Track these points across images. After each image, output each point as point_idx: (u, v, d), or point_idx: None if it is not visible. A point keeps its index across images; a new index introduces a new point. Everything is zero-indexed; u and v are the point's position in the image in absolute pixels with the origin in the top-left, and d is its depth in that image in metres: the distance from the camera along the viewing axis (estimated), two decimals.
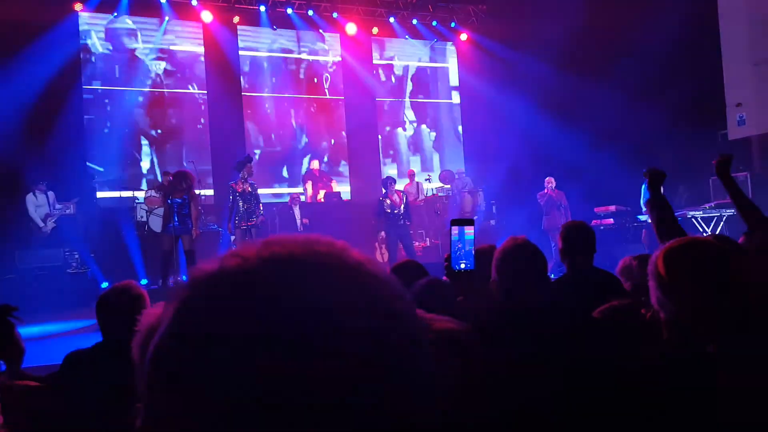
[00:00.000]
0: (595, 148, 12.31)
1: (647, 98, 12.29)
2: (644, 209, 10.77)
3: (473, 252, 1.83)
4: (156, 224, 9.23)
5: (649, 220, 10.47)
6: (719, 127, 11.72)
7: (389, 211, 10.01)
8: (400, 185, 11.53)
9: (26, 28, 10.42)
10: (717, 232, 9.11)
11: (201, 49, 12.75)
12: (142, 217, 9.98)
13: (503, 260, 2.18)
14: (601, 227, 10.58)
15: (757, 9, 10.40)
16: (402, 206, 10.09)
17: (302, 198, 11.59)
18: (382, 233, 11.33)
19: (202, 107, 12.69)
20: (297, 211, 10.81)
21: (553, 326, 1.37)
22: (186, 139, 12.44)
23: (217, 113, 12.57)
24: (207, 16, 12.58)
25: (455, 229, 1.81)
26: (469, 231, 1.82)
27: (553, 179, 11.17)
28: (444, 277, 3.27)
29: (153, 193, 9.96)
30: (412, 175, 13.05)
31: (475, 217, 12.00)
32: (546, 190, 11.15)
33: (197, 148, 12.36)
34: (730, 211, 9.25)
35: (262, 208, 9.07)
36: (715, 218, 9.50)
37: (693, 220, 9.36)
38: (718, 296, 1.36)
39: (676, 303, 1.42)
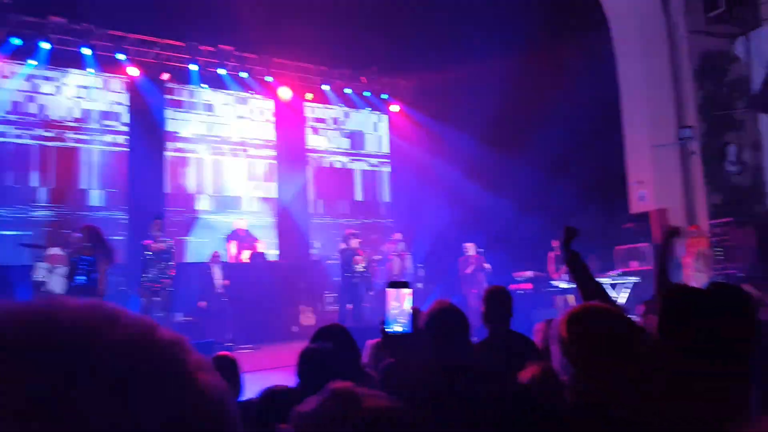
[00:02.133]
0: (516, 217, 12.96)
1: (561, 173, 13.20)
2: (553, 275, 11.53)
3: (410, 315, 1.86)
4: (57, 284, 8.33)
5: (562, 285, 10.90)
6: (623, 202, 12.72)
7: (355, 266, 10.05)
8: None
9: None
10: (623, 297, 9.75)
11: (124, 104, 12.42)
12: (42, 276, 8.87)
13: (431, 323, 2.31)
14: (520, 291, 11.02)
15: (655, 97, 11.59)
16: (362, 262, 10.19)
17: (223, 258, 11.25)
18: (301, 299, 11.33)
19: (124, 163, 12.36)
20: (217, 271, 10.42)
21: (484, 390, 1.32)
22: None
23: (139, 170, 12.25)
24: (134, 71, 12.33)
25: (392, 293, 1.85)
26: (405, 294, 1.85)
27: (473, 245, 11.60)
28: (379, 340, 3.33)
29: (57, 250, 8.99)
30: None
31: (404, 279, 12.21)
32: (465, 256, 11.53)
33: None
34: (635, 278, 9.92)
35: (172, 268, 8.66)
36: (621, 285, 10.11)
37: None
38: (615, 364, 1.37)
39: (576, 367, 1.44)
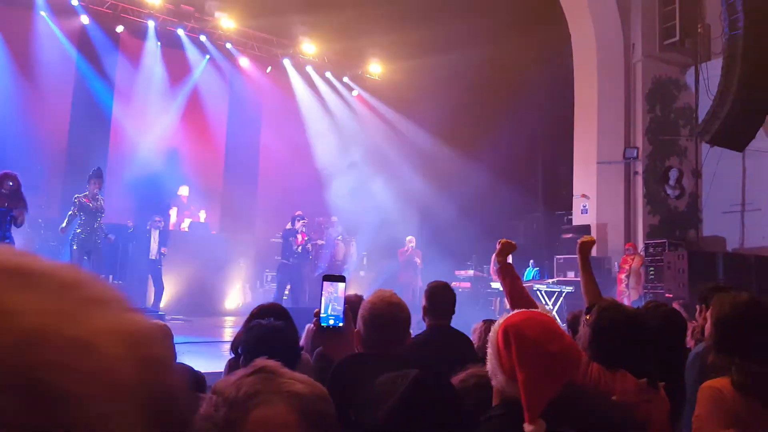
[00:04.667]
0: (463, 215, 13.12)
1: (509, 179, 13.48)
2: (494, 277, 11.79)
3: (343, 309, 1.85)
4: None
5: (501, 288, 11.21)
6: (565, 213, 13.07)
7: (295, 248, 9.89)
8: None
9: None
10: (557, 306, 10.00)
11: (73, 54, 11.81)
12: None
13: (370, 312, 2.17)
14: (459, 289, 11.13)
15: (606, 114, 11.90)
16: (300, 246, 10.03)
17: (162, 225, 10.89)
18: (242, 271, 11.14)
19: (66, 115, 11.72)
20: (155, 236, 10.08)
21: (417, 386, 1.26)
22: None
23: (80, 124, 11.65)
24: (86, 20, 11.69)
25: (328, 285, 1.83)
26: (341, 288, 1.84)
27: (413, 238, 11.65)
28: (312, 332, 3.23)
29: None
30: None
31: (345, 266, 12.19)
32: (406, 248, 11.59)
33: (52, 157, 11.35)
34: (569, 288, 10.18)
35: (105, 229, 8.27)
36: (556, 293, 10.31)
37: (538, 292, 10.15)
38: (546, 376, 1.36)
39: (505, 374, 1.42)
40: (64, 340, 0.37)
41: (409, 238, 11.55)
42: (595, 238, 3.24)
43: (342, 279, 1.85)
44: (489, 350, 1.49)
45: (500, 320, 1.52)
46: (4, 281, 0.38)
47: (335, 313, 1.85)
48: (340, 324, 1.84)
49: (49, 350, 0.36)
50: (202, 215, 12.22)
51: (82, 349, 0.37)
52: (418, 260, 11.42)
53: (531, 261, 12.04)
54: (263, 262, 12.34)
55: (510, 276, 2.93)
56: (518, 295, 2.86)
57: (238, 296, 11.63)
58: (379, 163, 14.20)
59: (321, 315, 1.83)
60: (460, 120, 13.39)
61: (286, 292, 10.40)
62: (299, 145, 13.98)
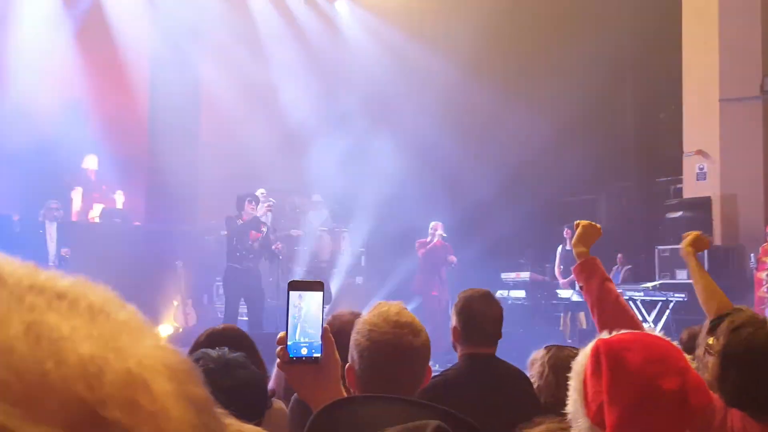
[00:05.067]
0: (511, 189, 12.98)
1: (581, 132, 13.33)
2: (561, 280, 11.74)
3: (321, 333, 1.87)
4: None
5: (574, 297, 11.01)
6: (672, 179, 12.88)
7: (251, 244, 10.07)
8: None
9: None
10: (661, 322, 9.83)
11: None
12: None
13: (368, 338, 2.20)
14: (508, 301, 10.99)
15: (730, 32, 11.61)
16: (258, 242, 10.12)
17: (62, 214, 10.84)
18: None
19: None
20: (51, 232, 10.09)
21: None
22: None
23: None
24: None
25: (296, 298, 1.84)
26: (316, 301, 1.86)
27: (440, 225, 11.58)
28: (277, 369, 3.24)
29: None
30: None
31: (334, 270, 12.13)
32: (429, 239, 11.50)
33: None
34: (680, 296, 10.04)
35: None
36: (660, 303, 10.21)
37: (631, 303, 9.98)
38: (652, 425, 1.48)
39: (591, 417, 1.54)
40: (117, 373, 0.45)
41: (433, 224, 11.64)
42: (709, 237, 3.30)
43: (318, 286, 1.88)
44: (572, 383, 1.60)
45: (592, 346, 1.62)
46: (50, 302, 0.47)
47: (308, 339, 1.87)
48: (317, 355, 1.87)
49: (110, 384, 0.45)
50: (119, 198, 12.45)
51: (138, 384, 0.45)
52: (450, 258, 11.32)
53: (618, 255, 11.92)
54: (212, 266, 12.33)
55: (596, 277, 2.97)
56: (611, 307, 2.90)
57: (175, 317, 11.77)
58: (383, 113, 14.21)
59: (287, 342, 1.85)
60: (503, 43, 13.26)
61: (244, 311, 10.49)
62: (260, 91, 13.95)
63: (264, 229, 10.31)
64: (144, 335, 0.49)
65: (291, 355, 1.86)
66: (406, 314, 2.25)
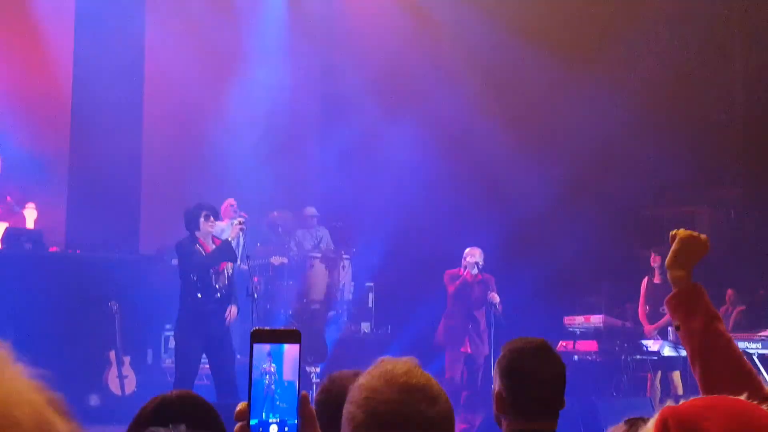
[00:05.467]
0: (573, 199, 13.05)
1: (671, 115, 13.42)
2: (647, 326, 11.64)
3: (296, 402, 1.88)
4: None
5: (666, 350, 11.04)
6: None
7: (201, 283, 10.02)
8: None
9: None
10: None
11: None
12: None
13: (365, 408, 2.21)
14: (575, 357, 11.04)
15: None
16: (228, 272, 10.15)
17: None
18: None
19: None
20: None
21: None
22: None
23: None
24: None
25: (261, 352, 1.88)
26: (292, 357, 1.89)
27: (478, 251, 11.57)
28: None
29: None
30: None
31: (330, 313, 12.23)
32: (462, 270, 11.53)
33: None
34: None
35: None
36: None
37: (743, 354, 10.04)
38: None
39: None
40: None
41: (468, 250, 11.57)
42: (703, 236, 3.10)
43: (293, 338, 1.89)
44: None
45: (668, 411, 1.61)
46: None
47: (278, 413, 1.88)
48: (289, 429, 1.88)
49: None
50: (30, 215, 12.57)
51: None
52: (491, 296, 11.31)
53: (728, 292, 12.07)
54: (161, 309, 12.46)
55: (700, 313, 2.86)
56: (722, 358, 2.80)
57: (110, 380, 11.80)
58: (400, 95, 14.42)
59: (250, 419, 1.87)
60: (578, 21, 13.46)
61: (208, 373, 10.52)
62: (229, 64, 14.23)
63: (238, 257, 10.34)
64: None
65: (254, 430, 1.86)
66: (417, 374, 2.23)
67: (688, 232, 3.01)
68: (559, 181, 13.24)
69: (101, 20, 13.87)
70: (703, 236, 3.02)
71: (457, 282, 11.46)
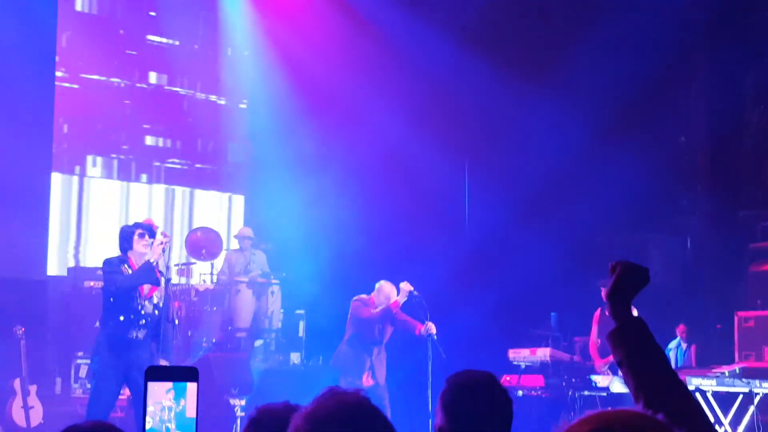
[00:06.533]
0: (522, 222, 13.17)
1: (628, 135, 13.60)
2: (598, 361, 11.65)
3: None
4: None
5: (616, 385, 11.13)
6: (760, 213, 13.21)
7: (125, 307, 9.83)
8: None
9: None
10: (743, 425, 9.98)
11: None
12: None
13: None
14: (519, 392, 11.06)
15: None
16: (158, 298, 10.04)
17: None
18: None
19: None
20: None
21: None
22: None
23: None
24: None
25: (157, 392, 1.96)
26: (190, 396, 1.99)
27: (394, 290, 11.27)
28: None
29: None
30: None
31: (257, 342, 12.16)
32: (377, 296, 11.33)
33: None
34: None
35: None
36: (741, 396, 10.29)
37: (698, 394, 10.12)
38: None
39: None
40: None
41: (383, 286, 11.35)
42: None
43: (191, 376, 1.99)
44: None
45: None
46: None
47: None
48: None
49: None
50: None
51: None
52: (429, 327, 11.17)
53: (679, 327, 12.21)
54: (72, 334, 12.37)
55: (635, 351, 2.84)
56: (667, 404, 2.67)
57: (14, 411, 11.74)
58: (336, 111, 14.57)
59: None
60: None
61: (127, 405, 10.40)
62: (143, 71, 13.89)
63: (162, 281, 10.24)
64: None
65: None
66: (365, 401, 2.25)
67: (628, 263, 3.02)
68: (510, 205, 13.34)
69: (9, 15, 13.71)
70: (644, 267, 3.02)
71: (379, 309, 11.24)
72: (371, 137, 14.24)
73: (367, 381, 10.98)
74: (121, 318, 9.83)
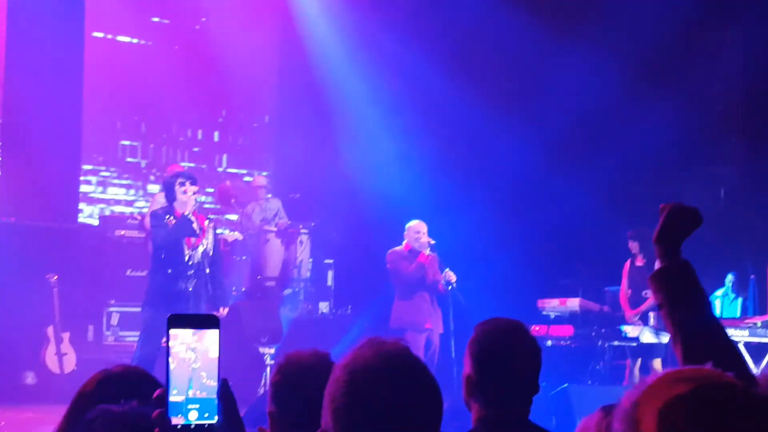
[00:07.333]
0: (551, 165, 13.15)
1: (659, 79, 13.51)
2: (628, 312, 11.81)
3: (218, 390, 1.94)
4: None
5: (646, 335, 11.19)
6: None
7: (188, 251, 9.94)
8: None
9: None
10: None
11: None
12: None
13: (356, 388, 2.17)
14: (548, 342, 11.11)
15: None
16: (205, 247, 10.07)
17: None
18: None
19: None
20: None
21: None
22: None
23: None
24: None
25: (178, 340, 1.92)
26: (211, 342, 1.95)
27: (425, 227, 11.33)
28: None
29: None
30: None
31: (286, 291, 12.31)
32: (407, 248, 11.34)
33: None
34: None
35: None
36: None
37: None
38: None
39: None
40: None
41: (415, 225, 11.32)
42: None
43: (211, 323, 1.96)
44: None
45: (643, 392, 1.59)
46: None
47: (198, 399, 1.94)
48: (211, 421, 1.94)
49: None
50: None
51: None
52: (448, 275, 11.16)
53: (730, 274, 12.28)
54: (104, 283, 12.45)
55: (684, 293, 2.80)
56: (707, 347, 2.69)
57: (47, 358, 11.79)
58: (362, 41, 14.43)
59: (170, 400, 1.93)
60: None
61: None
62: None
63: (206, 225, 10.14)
64: None
65: (171, 422, 1.90)
66: (409, 354, 2.23)
67: (679, 204, 2.92)
68: (542, 153, 13.31)
69: None
70: (694, 208, 2.90)
71: (414, 265, 11.22)
72: (404, 83, 14.19)
73: (436, 328, 11.09)
74: (169, 271, 9.94)
